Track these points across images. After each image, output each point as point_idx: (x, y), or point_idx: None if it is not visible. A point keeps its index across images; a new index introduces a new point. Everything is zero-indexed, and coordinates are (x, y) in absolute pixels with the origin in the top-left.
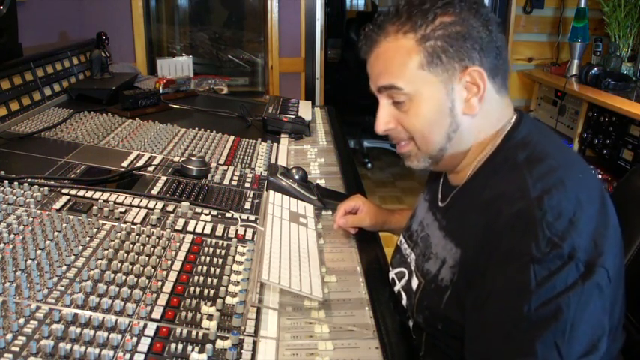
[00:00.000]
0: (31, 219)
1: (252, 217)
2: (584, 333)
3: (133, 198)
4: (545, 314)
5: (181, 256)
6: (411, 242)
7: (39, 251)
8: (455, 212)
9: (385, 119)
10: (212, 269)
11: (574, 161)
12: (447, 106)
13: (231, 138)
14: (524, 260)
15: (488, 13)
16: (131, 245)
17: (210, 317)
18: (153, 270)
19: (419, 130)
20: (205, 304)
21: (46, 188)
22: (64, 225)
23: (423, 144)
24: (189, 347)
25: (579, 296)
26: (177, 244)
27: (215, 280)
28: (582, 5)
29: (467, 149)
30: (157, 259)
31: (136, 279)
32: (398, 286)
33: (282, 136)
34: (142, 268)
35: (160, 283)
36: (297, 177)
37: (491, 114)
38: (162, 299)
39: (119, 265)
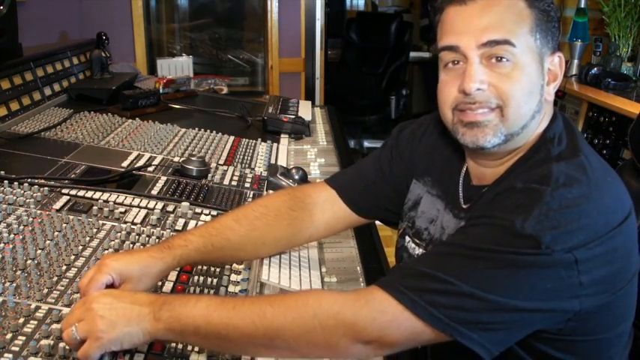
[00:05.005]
0: (31, 219)
1: None
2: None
3: (133, 198)
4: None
5: None
6: (421, 241)
7: (39, 251)
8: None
9: (480, 76)
10: (212, 269)
11: (606, 165)
12: (539, 82)
13: (231, 138)
14: (503, 225)
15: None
16: (131, 245)
17: None
18: None
19: (518, 96)
20: None
21: (46, 188)
22: (64, 225)
23: (514, 114)
24: (189, 347)
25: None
26: None
27: (215, 280)
28: (582, 5)
29: (527, 137)
30: None
31: None
32: None
33: (282, 136)
34: None
35: (159, 283)
36: (297, 177)
37: (546, 111)
38: None
39: None
